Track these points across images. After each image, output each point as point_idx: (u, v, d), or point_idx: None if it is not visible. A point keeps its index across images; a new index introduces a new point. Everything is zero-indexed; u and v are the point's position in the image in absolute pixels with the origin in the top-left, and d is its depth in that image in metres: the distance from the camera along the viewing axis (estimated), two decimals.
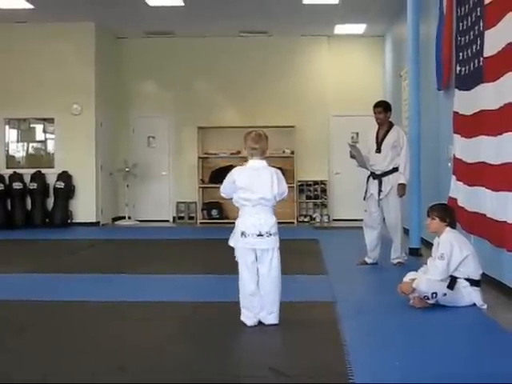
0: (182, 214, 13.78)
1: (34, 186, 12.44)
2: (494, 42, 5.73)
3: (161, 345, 4.33)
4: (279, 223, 4.82)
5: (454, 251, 5.19)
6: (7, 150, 13.07)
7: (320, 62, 13.78)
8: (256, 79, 13.64)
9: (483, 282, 5.42)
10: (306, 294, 5.93)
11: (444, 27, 7.59)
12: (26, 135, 13.26)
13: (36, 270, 7.57)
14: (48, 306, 5.58)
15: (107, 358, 4.07)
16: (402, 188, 7.29)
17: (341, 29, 12.99)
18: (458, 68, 7.00)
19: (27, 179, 12.49)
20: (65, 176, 12.49)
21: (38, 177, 12.51)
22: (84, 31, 12.52)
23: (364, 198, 7.53)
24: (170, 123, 13.90)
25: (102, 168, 12.90)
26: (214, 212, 13.34)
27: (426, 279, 5.15)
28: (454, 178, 7.03)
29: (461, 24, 6.89)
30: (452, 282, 5.17)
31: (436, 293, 5.11)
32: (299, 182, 13.52)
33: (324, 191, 13.65)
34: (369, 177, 7.50)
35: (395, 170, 7.30)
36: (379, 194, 7.34)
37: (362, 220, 7.75)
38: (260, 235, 4.68)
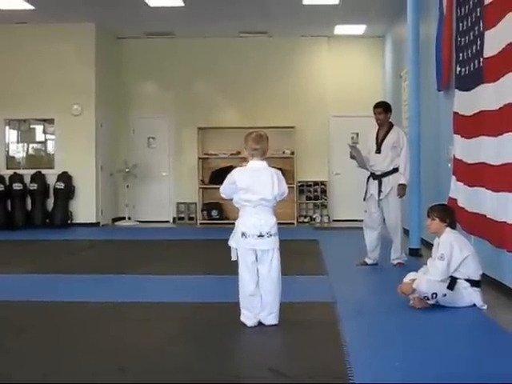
0: (182, 215, 13.77)
1: (34, 186, 12.44)
2: (494, 42, 5.72)
3: (161, 345, 4.33)
4: (279, 224, 4.82)
5: (454, 252, 5.19)
6: (7, 151, 13.07)
7: (320, 63, 13.78)
8: (256, 80, 13.64)
9: (483, 283, 5.42)
10: (306, 294, 5.93)
11: (444, 28, 7.59)
12: (26, 136, 13.26)
13: (36, 270, 7.57)
14: (48, 306, 5.58)
15: (107, 358, 4.07)
16: (402, 188, 7.28)
17: (341, 29, 13.00)
18: (458, 68, 7.00)
19: (27, 180, 12.49)
20: (65, 176, 12.49)
21: (38, 177, 12.51)
22: (84, 32, 12.53)
23: (364, 199, 7.53)
24: (170, 124, 13.90)
25: (102, 169, 12.90)
26: (214, 212, 13.34)
27: (426, 280, 5.15)
28: (454, 178, 7.02)
29: (461, 24, 6.89)
30: (452, 282, 5.17)
31: (436, 293, 5.11)
32: (299, 182, 13.51)
33: (324, 192, 13.65)
34: (369, 177, 7.50)
35: (395, 170, 7.30)
36: (379, 195, 7.34)
37: (362, 220, 7.75)
38: (260, 236, 4.67)
